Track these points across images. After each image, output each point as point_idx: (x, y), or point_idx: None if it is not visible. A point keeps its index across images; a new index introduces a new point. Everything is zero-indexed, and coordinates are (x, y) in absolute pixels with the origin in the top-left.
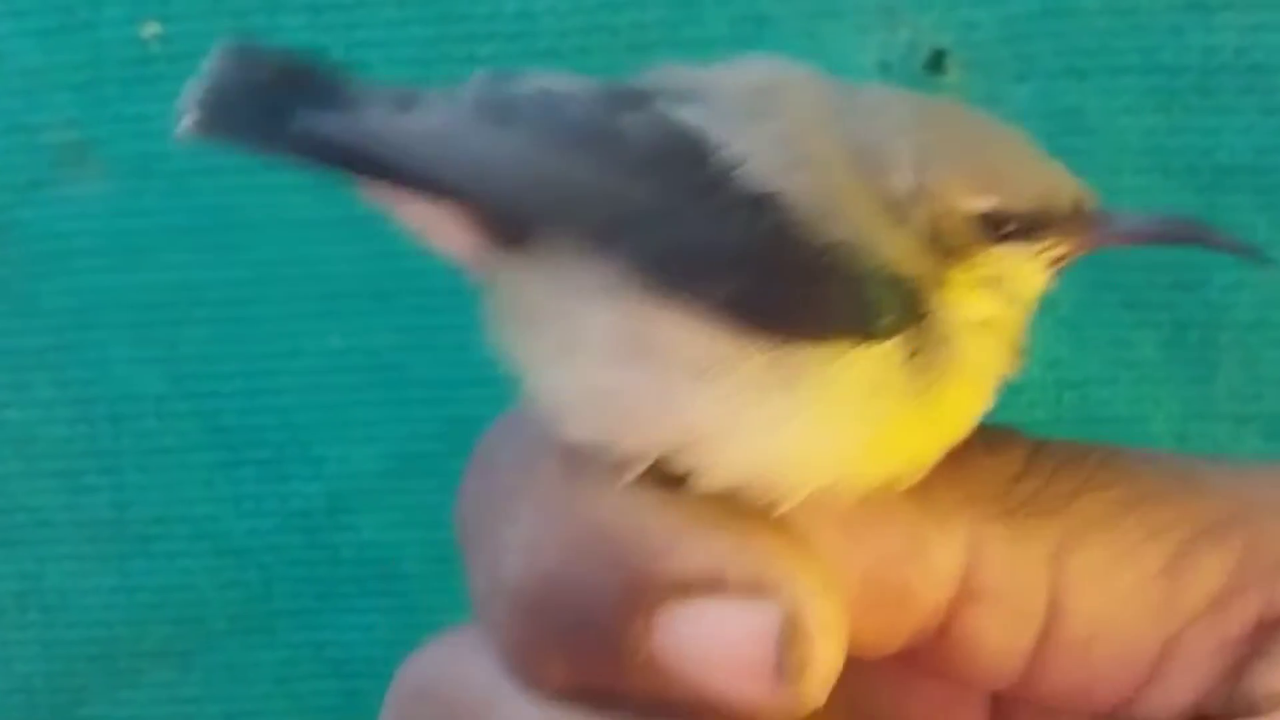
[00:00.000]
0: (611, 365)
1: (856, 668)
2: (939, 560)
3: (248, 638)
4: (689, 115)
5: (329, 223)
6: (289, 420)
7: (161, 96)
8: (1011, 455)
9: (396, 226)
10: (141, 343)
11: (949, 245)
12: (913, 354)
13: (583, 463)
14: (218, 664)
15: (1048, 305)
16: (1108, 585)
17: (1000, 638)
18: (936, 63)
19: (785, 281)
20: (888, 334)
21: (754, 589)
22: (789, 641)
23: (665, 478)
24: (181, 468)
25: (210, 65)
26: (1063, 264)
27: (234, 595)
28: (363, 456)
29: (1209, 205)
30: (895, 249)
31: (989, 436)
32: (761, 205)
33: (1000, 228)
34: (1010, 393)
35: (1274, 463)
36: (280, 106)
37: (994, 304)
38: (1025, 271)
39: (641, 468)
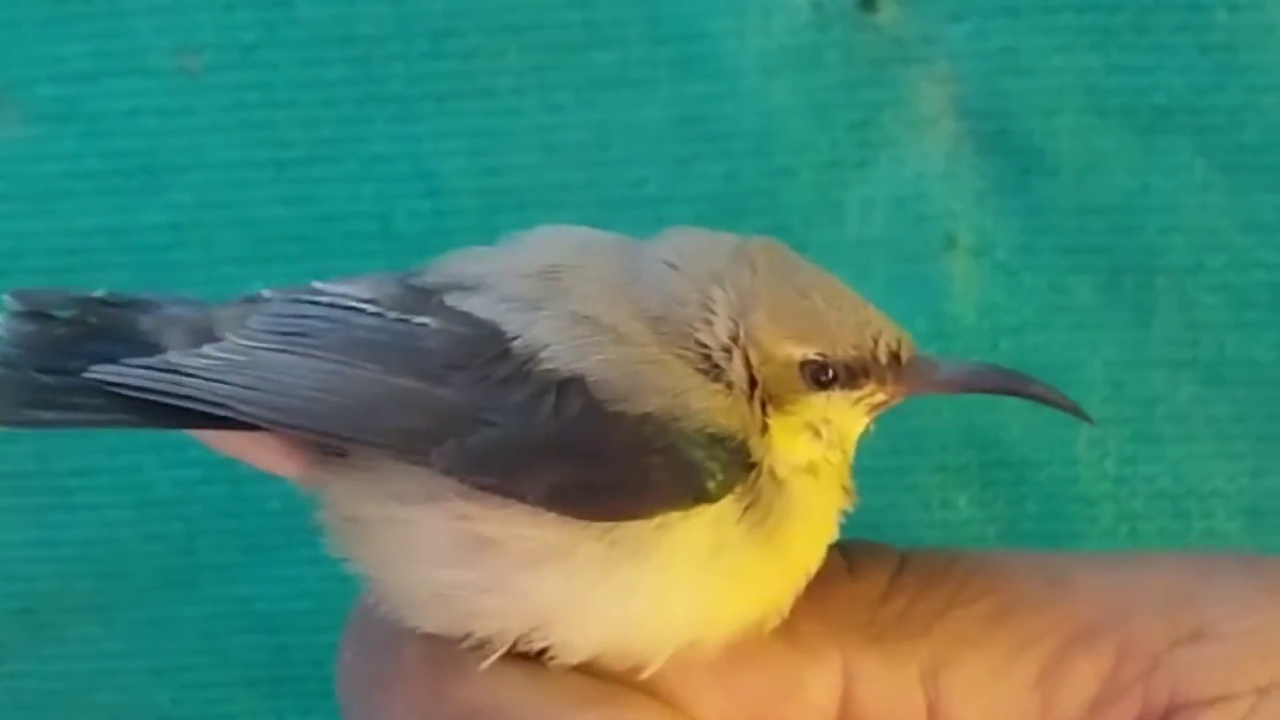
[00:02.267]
0: (449, 566)
1: None
2: (816, 694)
3: (173, 592)
4: (479, 308)
5: (253, 165)
6: None
7: (79, 38)
8: (875, 578)
9: None
10: None
11: (769, 393)
12: (747, 507)
13: (446, 647)
14: (142, 619)
15: (984, 249)
16: (983, 702)
17: None
18: (869, 1)
19: (606, 464)
20: (718, 495)
21: None
22: None
23: (527, 656)
24: None
25: (1, 325)
26: (882, 409)
27: (158, 548)
28: None
29: (1147, 147)
30: (712, 405)
31: (852, 557)
32: (567, 389)
33: (820, 376)
34: (945, 340)
35: (1147, 552)
36: (75, 355)
37: (818, 448)
38: (845, 418)
39: (500, 650)
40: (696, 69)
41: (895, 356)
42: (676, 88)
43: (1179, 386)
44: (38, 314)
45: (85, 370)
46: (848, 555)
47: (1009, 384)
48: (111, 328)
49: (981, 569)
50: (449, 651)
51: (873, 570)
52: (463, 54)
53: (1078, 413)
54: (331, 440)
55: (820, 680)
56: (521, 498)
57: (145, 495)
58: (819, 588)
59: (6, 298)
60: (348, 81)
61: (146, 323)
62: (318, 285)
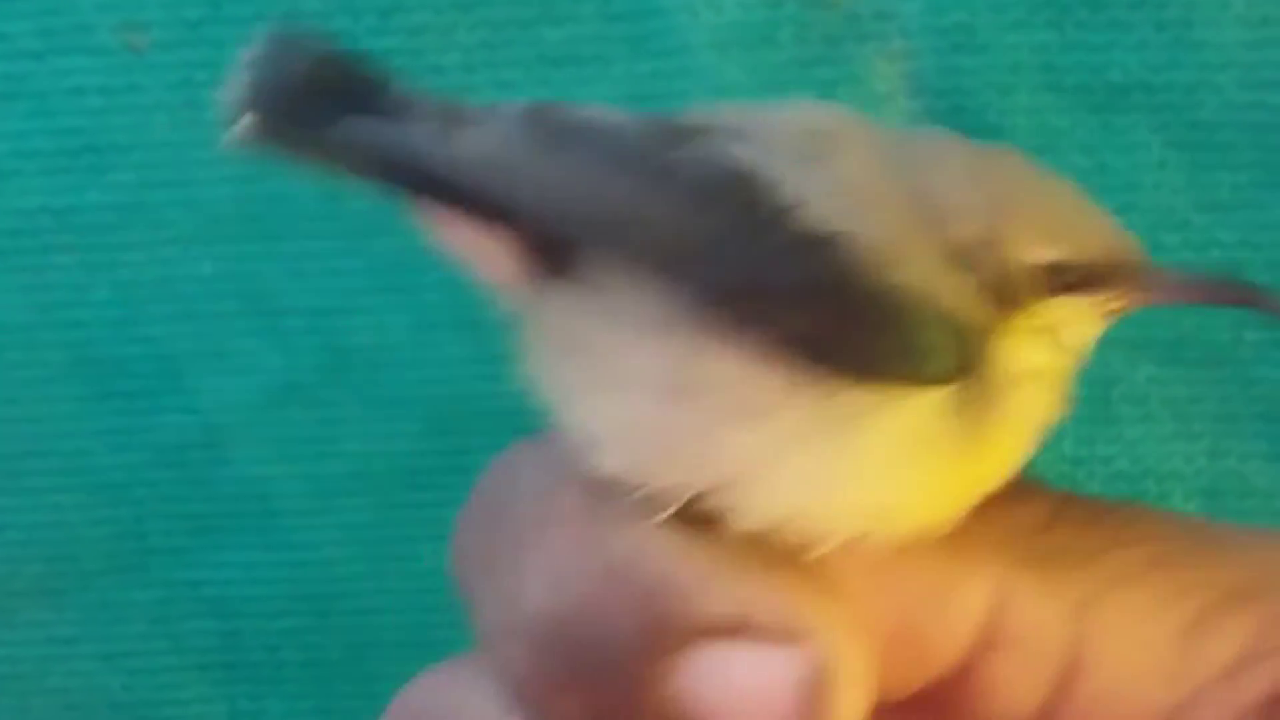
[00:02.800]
0: (658, 400)
1: (874, 711)
2: (965, 608)
3: (122, 576)
4: (743, 153)
5: (199, 144)
6: (160, 350)
7: (23, 15)
8: (1038, 506)
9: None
10: (5, 271)
11: (1012, 293)
12: (964, 404)
13: (610, 498)
14: (92, 603)
15: None
16: (1128, 642)
17: (1019, 686)
18: None
19: (846, 322)
20: (943, 382)
21: (782, 635)
22: (817, 690)
23: (696, 517)
24: (49, 400)
25: (256, 55)
26: (1118, 315)
27: (106, 532)
28: (238, 388)
29: (1103, 125)
30: (957, 297)
31: (1016, 486)
32: (823, 245)
33: (1064, 279)
34: None
35: None
36: (327, 109)
37: (1049, 353)
38: (1083, 322)
39: (674, 506)
40: (648, 46)
41: (1133, 265)
42: (628, 65)
43: (1136, 367)
44: (299, 49)
45: (334, 117)
46: (1011, 481)
47: (1240, 294)
48: (363, 87)
49: (1139, 519)
50: (616, 502)
51: (1036, 500)
52: (410, 30)
53: None
54: (580, 240)
55: (972, 595)
56: (758, 336)
57: (94, 478)
58: (985, 504)
59: (272, 26)
60: None
61: (398, 92)
62: (573, 105)
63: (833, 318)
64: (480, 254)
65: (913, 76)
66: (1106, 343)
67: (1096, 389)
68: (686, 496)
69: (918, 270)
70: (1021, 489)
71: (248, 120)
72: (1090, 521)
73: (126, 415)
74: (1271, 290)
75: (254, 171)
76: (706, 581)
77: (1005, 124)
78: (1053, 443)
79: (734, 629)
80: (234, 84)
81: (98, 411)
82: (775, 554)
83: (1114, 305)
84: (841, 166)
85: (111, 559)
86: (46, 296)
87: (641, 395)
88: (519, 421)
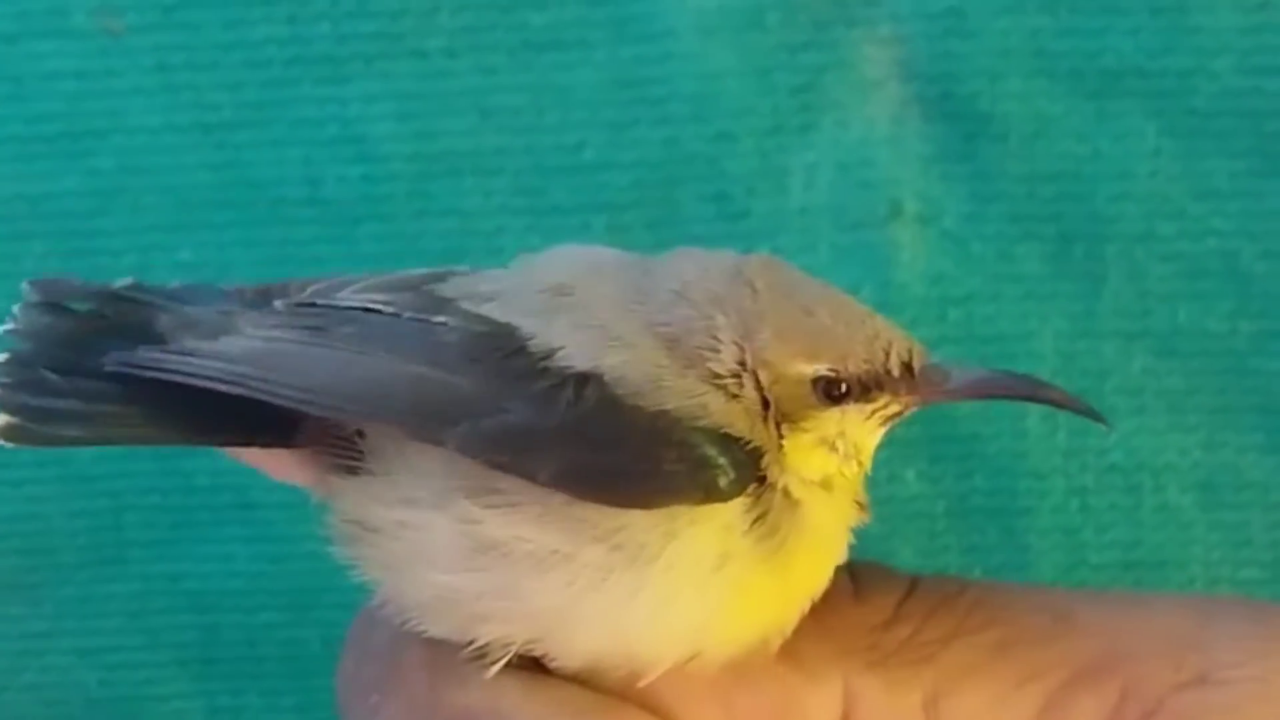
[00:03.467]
0: (454, 570)
1: None
2: (815, 717)
3: (99, 570)
4: (495, 312)
5: (177, 129)
6: None
7: None
8: (881, 601)
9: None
10: None
11: (783, 410)
12: (756, 520)
13: (447, 653)
14: (69, 597)
15: (930, 217)
16: None
17: None
18: None
19: (619, 451)
20: (729, 494)
21: None
22: None
23: (528, 664)
24: None
25: (16, 315)
26: (896, 420)
27: (83, 525)
28: None
29: (1097, 111)
30: (728, 411)
31: (858, 579)
32: (585, 382)
33: (833, 391)
34: (892, 311)
35: (1149, 593)
36: (92, 351)
37: (832, 463)
38: (860, 430)
39: (503, 657)
40: (633, 30)
41: (908, 366)
42: (612, 49)
43: (1131, 358)
44: (54, 305)
45: (99, 364)
46: (855, 578)
47: (1024, 389)
48: (128, 324)
49: (987, 600)
50: (450, 658)
51: (879, 595)
52: (392, 13)
53: (1096, 417)
54: (349, 418)
55: (821, 703)
56: (532, 477)
57: (70, 470)
58: (824, 609)
59: (25, 287)
60: (273, 42)
61: (164, 321)
62: (336, 287)
63: (605, 448)
64: (275, 467)
65: (903, 62)
66: (1100, 335)
67: (1090, 381)
68: (512, 649)
69: (679, 395)
70: (863, 586)
71: (4, 421)
72: (935, 611)
73: None
74: (1047, 383)
75: (232, 157)
76: None
77: (997, 110)
78: (1046, 435)
79: None
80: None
81: None
82: (613, 692)
83: (892, 410)
84: (585, 315)
85: (89, 552)
86: (21, 284)
87: (439, 568)
88: None
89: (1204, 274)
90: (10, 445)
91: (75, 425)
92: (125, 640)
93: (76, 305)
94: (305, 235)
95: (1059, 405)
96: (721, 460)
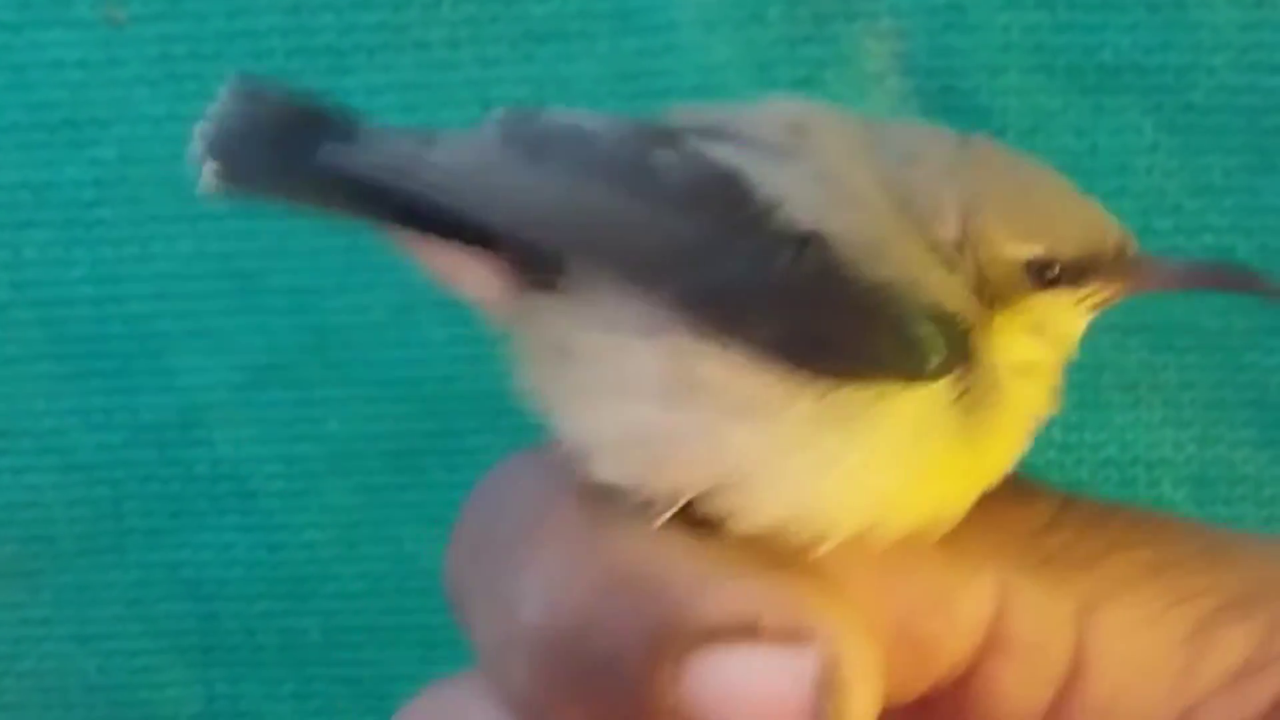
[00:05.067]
0: (655, 404)
1: (880, 713)
2: (968, 609)
3: (98, 557)
4: (722, 153)
5: (179, 119)
6: (139, 329)
7: None
8: (1041, 507)
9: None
10: None
11: (995, 291)
12: (960, 395)
13: (607, 504)
14: (67, 584)
15: None
16: (1132, 647)
17: (1022, 690)
18: None
19: (832, 321)
20: (937, 374)
21: (789, 636)
22: (826, 690)
23: (695, 521)
24: (26, 379)
25: (219, 106)
26: (1105, 306)
27: (83, 513)
28: (217, 367)
29: (1095, 107)
30: (942, 291)
31: (1018, 486)
32: (806, 244)
33: (1045, 274)
34: None
35: None
36: (297, 146)
37: (1037, 348)
38: (1068, 317)
39: (673, 509)
40: (634, 22)
41: (1119, 254)
42: (614, 41)
43: (1126, 352)
44: (260, 96)
45: (307, 153)
46: (1013, 482)
47: (1234, 279)
48: (333, 126)
49: (1143, 522)
50: (613, 507)
51: (1039, 500)
52: (395, 4)
53: None
54: (562, 252)
55: (974, 597)
56: (745, 340)
57: (70, 458)
58: (987, 505)
59: (232, 79)
60: (277, 32)
61: (368, 131)
62: (552, 110)
63: (818, 317)
64: (463, 274)
65: (903, 56)
66: (1096, 328)
67: (1086, 374)
68: (685, 500)
69: (900, 266)
70: (1024, 490)
71: (210, 168)
72: (1092, 524)
73: (104, 394)
74: (1258, 274)
75: None
76: (709, 584)
77: (996, 105)
78: (1042, 430)
79: (740, 631)
80: (198, 136)
81: (75, 390)
82: (778, 555)
83: (1100, 297)
84: (819, 162)
85: (88, 540)
86: (23, 273)
87: (637, 401)
88: (501, 403)
89: None
90: (217, 191)
91: (278, 184)
92: (124, 628)
93: (284, 100)
94: (306, 226)
95: (1270, 295)
96: (933, 341)
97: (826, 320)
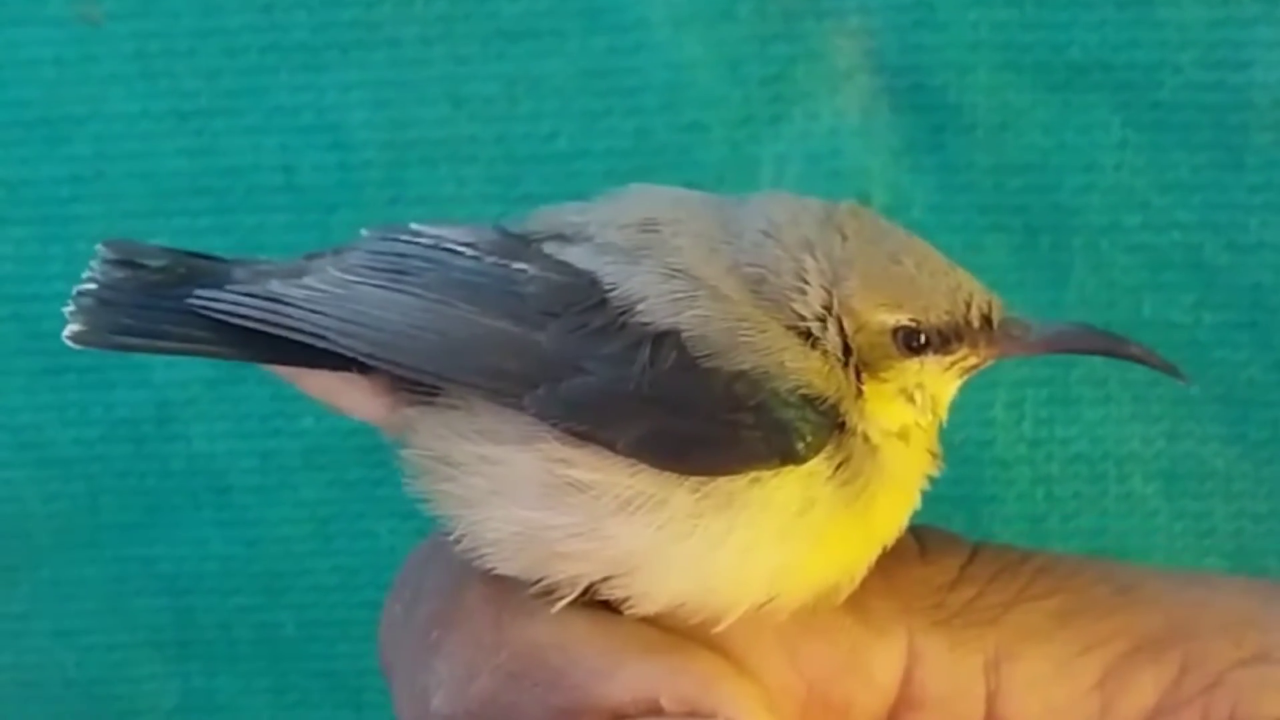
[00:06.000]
0: (536, 507)
1: None
2: (878, 671)
3: (74, 552)
4: (578, 257)
5: (154, 117)
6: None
7: None
8: (947, 563)
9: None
10: None
11: (863, 358)
12: (837, 467)
13: (512, 590)
14: (43, 580)
15: (898, 208)
16: (1043, 697)
17: None
18: None
19: (697, 418)
20: (807, 456)
21: (691, 713)
22: None
23: (596, 603)
24: (1, 374)
25: (90, 273)
26: (974, 371)
27: (59, 508)
28: (192, 363)
29: (1063, 104)
30: (807, 366)
31: (924, 542)
32: (662, 342)
33: (913, 341)
34: None
35: (1212, 573)
36: (168, 298)
37: (910, 413)
38: (938, 381)
39: (572, 595)
40: (605, 20)
41: (987, 319)
42: (585, 39)
43: None
44: (131, 263)
45: (181, 304)
46: (920, 539)
47: (1104, 344)
48: (203, 276)
49: (1051, 569)
50: (516, 594)
51: (945, 556)
52: (367, 3)
53: (1175, 373)
54: (425, 378)
55: (885, 657)
56: (611, 445)
57: (46, 454)
58: (891, 566)
59: (99, 246)
60: (250, 30)
61: (239, 274)
62: (415, 227)
63: (681, 415)
64: (342, 397)
65: (872, 53)
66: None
67: (1056, 370)
68: (581, 587)
69: (758, 352)
70: (930, 546)
71: (71, 329)
72: (999, 575)
73: (80, 390)
74: (1126, 339)
75: (209, 144)
76: (611, 665)
77: (965, 102)
78: (1012, 424)
79: (644, 711)
80: (75, 291)
81: (51, 386)
82: (680, 632)
83: (970, 362)
84: (673, 257)
85: (64, 535)
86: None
87: (520, 505)
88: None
89: (1168, 266)
90: (75, 346)
91: (141, 336)
92: (100, 622)
93: (152, 263)
94: (280, 222)
95: (1139, 360)
96: (800, 424)
97: (690, 418)
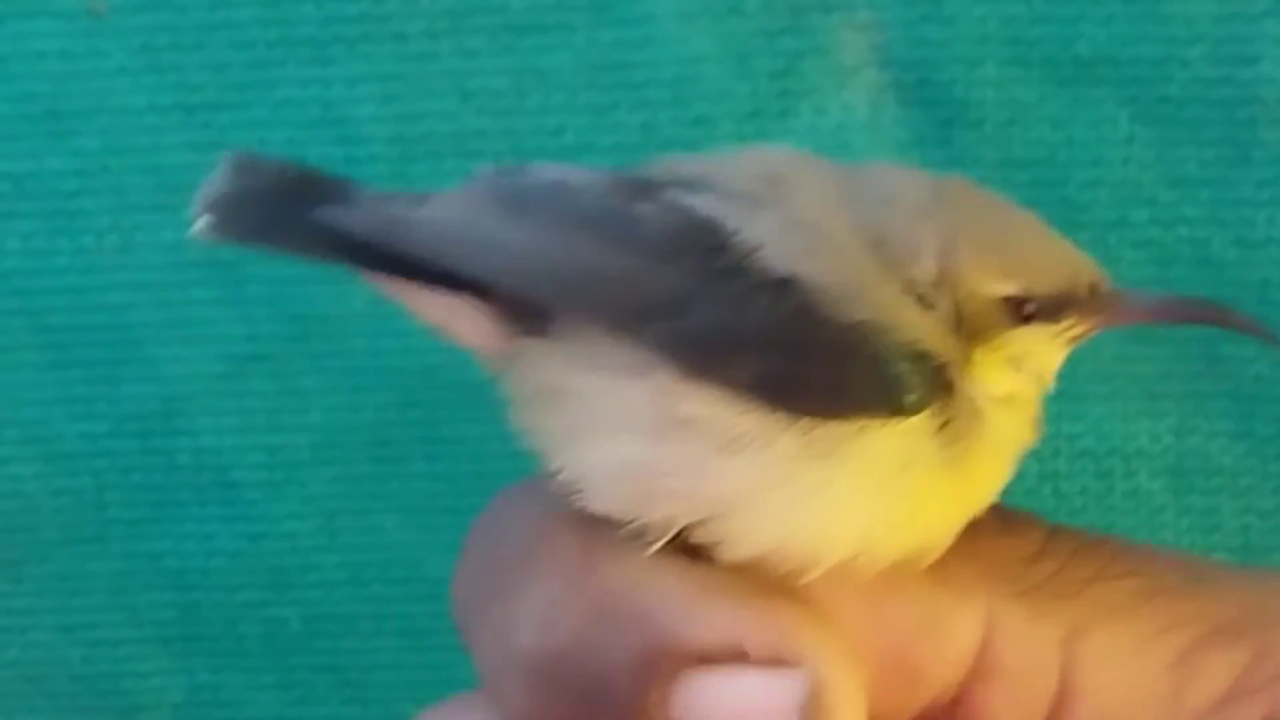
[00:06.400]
0: (643, 440)
1: None
2: (956, 637)
3: (81, 547)
4: (700, 203)
5: (161, 110)
6: (121, 319)
7: None
8: (1029, 536)
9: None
10: None
11: (973, 326)
12: (942, 426)
13: (600, 532)
14: (50, 574)
15: None
16: (1119, 673)
17: (1010, 716)
18: None
19: (811, 362)
20: (915, 409)
21: (776, 660)
22: (811, 714)
23: (686, 547)
24: (8, 369)
25: (217, 172)
26: (1080, 340)
27: (65, 503)
28: (199, 357)
29: (1071, 99)
30: (920, 328)
31: (1005, 517)
32: (783, 288)
33: (1022, 310)
34: None
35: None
36: (293, 208)
37: (1016, 381)
38: (1045, 351)
39: (665, 537)
40: (613, 14)
41: (1093, 289)
42: (592, 33)
43: (1103, 344)
44: (254, 169)
45: (303, 212)
46: (1000, 513)
47: (1207, 313)
48: (331, 190)
49: (1129, 552)
50: (607, 534)
51: (1026, 530)
52: None
53: (1276, 342)
54: (547, 304)
55: (962, 625)
56: (726, 382)
57: (53, 448)
58: (974, 535)
59: (225, 154)
60: (258, 23)
61: (365, 195)
62: (536, 165)
63: (796, 358)
64: (456, 323)
65: (880, 48)
66: None
67: (1063, 366)
68: (675, 530)
69: (874, 307)
70: (1011, 520)
71: (205, 221)
72: (1079, 553)
73: (86, 384)
74: (1230, 308)
75: (215, 138)
76: (699, 609)
77: (972, 97)
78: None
79: (728, 655)
80: (201, 190)
81: (57, 380)
82: (768, 581)
83: (1076, 331)
84: (796, 210)
85: (70, 530)
86: (5, 263)
87: (627, 438)
88: (482, 394)
89: (1175, 261)
90: (208, 239)
91: (270, 240)
92: (106, 617)
93: (278, 172)
94: None
95: (1244, 330)
96: (910, 378)
97: (804, 361)
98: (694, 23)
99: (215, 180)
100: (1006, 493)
